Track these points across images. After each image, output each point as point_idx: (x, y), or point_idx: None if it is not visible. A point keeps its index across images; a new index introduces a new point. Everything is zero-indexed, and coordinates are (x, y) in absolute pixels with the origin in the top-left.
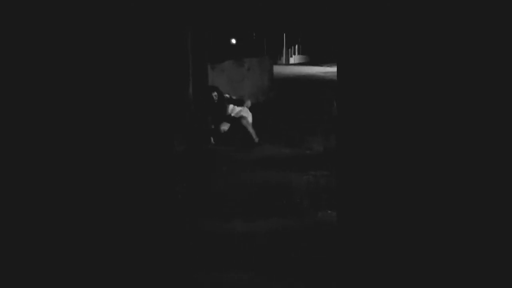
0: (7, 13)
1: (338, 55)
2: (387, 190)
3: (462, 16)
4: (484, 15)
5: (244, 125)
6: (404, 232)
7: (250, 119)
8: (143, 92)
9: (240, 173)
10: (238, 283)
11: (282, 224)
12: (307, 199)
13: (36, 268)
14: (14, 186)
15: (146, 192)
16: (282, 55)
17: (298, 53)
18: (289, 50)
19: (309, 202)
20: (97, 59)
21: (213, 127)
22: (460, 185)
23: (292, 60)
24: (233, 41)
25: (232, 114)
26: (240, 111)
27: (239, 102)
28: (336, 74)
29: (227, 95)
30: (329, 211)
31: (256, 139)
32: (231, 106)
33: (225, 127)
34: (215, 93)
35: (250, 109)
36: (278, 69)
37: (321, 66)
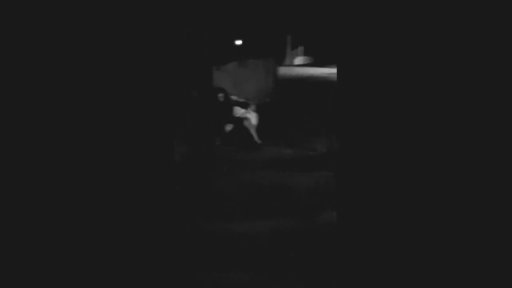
0: (10, 14)
1: (338, 57)
2: (387, 190)
3: (462, 17)
4: (483, 19)
5: (246, 126)
6: (404, 232)
7: (254, 120)
8: (143, 92)
9: (240, 173)
10: (238, 283)
11: (282, 224)
12: (307, 200)
13: (38, 268)
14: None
15: (146, 192)
16: (286, 56)
17: (302, 55)
18: (293, 51)
19: (310, 203)
20: (97, 59)
21: (218, 128)
22: (459, 184)
23: (296, 62)
24: (238, 42)
25: (237, 115)
26: (245, 113)
27: (245, 105)
28: None
29: (233, 97)
30: (333, 213)
31: (259, 141)
32: (237, 108)
33: (230, 128)
34: (222, 94)
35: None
36: (283, 70)
37: (325, 67)
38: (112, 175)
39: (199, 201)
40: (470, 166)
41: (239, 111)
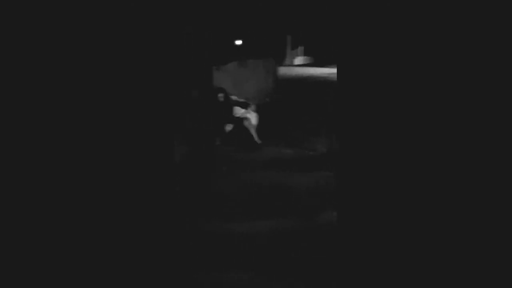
0: (11, 14)
1: (338, 57)
2: (387, 190)
3: (462, 17)
4: (483, 19)
5: (246, 126)
6: (404, 232)
7: (254, 120)
8: (143, 92)
9: (240, 173)
10: (238, 283)
11: (282, 224)
12: (307, 200)
13: (38, 268)
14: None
15: (146, 192)
16: (286, 56)
17: (302, 55)
18: (293, 51)
19: (310, 203)
20: (97, 59)
21: (218, 128)
22: (459, 183)
23: (296, 62)
24: (238, 42)
25: (237, 115)
26: (245, 113)
27: (245, 105)
28: None
29: (233, 97)
30: (333, 213)
31: (259, 141)
32: (237, 108)
33: (230, 128)
34: (222, 94)
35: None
36: (283, 70)
37: (325, 67)
38: (112, 175)
39: (199, 201)
40: (470, 166)
41: (239, 111)
